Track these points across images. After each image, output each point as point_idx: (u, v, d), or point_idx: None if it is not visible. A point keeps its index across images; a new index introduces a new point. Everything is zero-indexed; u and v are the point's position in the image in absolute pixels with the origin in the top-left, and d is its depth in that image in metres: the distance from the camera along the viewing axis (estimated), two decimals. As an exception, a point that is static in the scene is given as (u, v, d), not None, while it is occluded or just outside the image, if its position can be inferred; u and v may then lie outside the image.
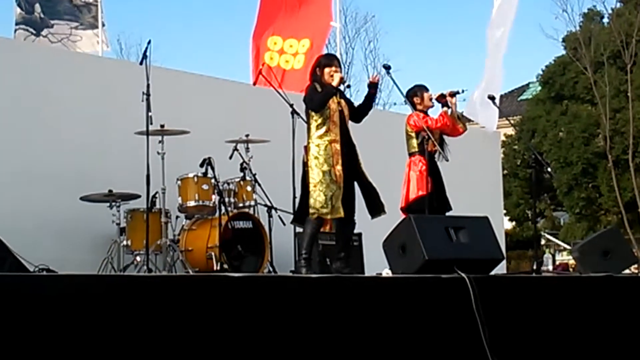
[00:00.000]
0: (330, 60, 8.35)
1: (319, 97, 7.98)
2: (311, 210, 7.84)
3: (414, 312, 6.65)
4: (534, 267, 8.83)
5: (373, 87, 8.30)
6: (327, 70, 8.08)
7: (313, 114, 7.95)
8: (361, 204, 8.17)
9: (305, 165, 7.95)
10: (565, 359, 7.21)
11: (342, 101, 8.15)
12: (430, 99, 8.81)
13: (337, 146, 7.96)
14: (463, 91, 8.82)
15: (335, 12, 13.46)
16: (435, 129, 8.62)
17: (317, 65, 8.18)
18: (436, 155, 8.62)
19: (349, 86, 8.65)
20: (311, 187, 7.86)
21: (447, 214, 8.60)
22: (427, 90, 8.90)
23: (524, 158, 31.90)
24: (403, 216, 8.19)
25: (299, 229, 8.36)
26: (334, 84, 8.02)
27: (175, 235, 9.00)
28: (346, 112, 8.13)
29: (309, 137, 7.99)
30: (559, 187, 31.73)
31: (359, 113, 8.30)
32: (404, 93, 8.93)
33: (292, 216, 8.55)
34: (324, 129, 7.94)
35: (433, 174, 8.57)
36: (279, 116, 9.13)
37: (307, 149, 7.97)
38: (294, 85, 11.12)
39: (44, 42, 10.52)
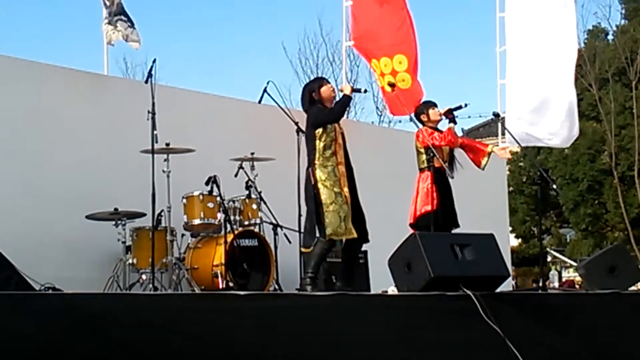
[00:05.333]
0: (321, 80, 8.41)
1: (337, 107, 7.99)
2: (328, 231, 7.78)
3: (419, 329, 6.64)
4: (540, 283, 8.82)
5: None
6: (324, 89, 8.09)
7: (320, 135, 7.89)
8: (367, 220, 8.16)
9: (313, 188, 7.88)
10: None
11: (341, 124, 8.15)
12: (439, 115, 8.82)
13: (343, 169, 7.94)
14: (466, 105, 8.90)
15: (342, 31, 13.55)
16: (439, 146, 8.63)
17: (311, 91, 8.13)
18: (447, 172, 8.63)
19: (365, 91, 8.69)
20: (324, 209, 7.81)
21: (455, 230, 8.60)
22: (434, 106, 8.90)
23: (530, 175, 31.92)
24: (411, 232, 8.19)
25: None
26: (347, 92, 8.03)
27: (181, 254, 9.00)
28: (345, 134, 8.13)
29: (313, 159, 7.90)
30: (564, 204, 31.73)
31: None
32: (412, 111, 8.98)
33: (297, 234, 8.54)
34: (330, 150, 7.90)
35: (441, 190, 8.57)
36: (284, 134, 9.14)
37: (312, 171, 7.90)
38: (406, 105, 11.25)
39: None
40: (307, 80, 24.54)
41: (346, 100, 8.10)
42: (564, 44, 13.59)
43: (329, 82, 8.26)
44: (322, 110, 7.95)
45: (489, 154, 8.97)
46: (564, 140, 14.14)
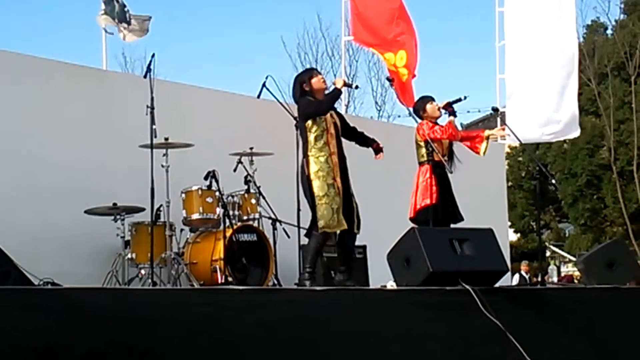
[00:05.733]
0: (310, 71, 8.39)
1: (326, 99, 7.99)
2: (320, 224, 7.80)
3: (418, 324, 6.64)
4: (539, 278, 8.82)
5: (374, 145, 8.35)
6: (314, 80, 8.08)
7: (311, 126, 7.91)
8: (366, 215, 8.17)
9: (307, 178, 7.89)
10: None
11: (334, 114, 8.15)
12: (439, 109, 8.80)
13: (335, 159, 7.95)
14: (465, 98, 8.87)
15: (341, 25, 13.58)
16: (440, 139, 8.62)
17: (302, 82, 8.12)
18: (446, 167, 8.61)
19: (357, 87, 8.73)
20: (317, 201, 7.82)
21: (458, 224, 8.58)
22: (432, 100, 8.88)
23: (529, 169, 31.98)
24: (411, 226, 8.18)
25: (304, 242, 8.35)
26: (339, 86, 8.03)
27: (180, 248, 9.00)
28: (339, 124, 8.13)
29: (306, 150, 7.92)
30: (563, 199, 31.78)
31: (350, 136, 8.31)
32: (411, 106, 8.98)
33: (296, 229, 8.53)
34: (322, 141, 7.91)
35: (441, 184, 8.55)
36: (282, 129, 9.14)
37: (306, 163, 7.91)
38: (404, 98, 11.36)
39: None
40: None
41: (336, 93, 8.10)
42: (563, 38, 13.61)
43: (319, 74, 8.28)
44: (311, 102, 7.96)
45: (487, 138, 8.93)
46: (564, 134, 14.19)
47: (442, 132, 8.62)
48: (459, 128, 9.23)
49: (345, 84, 8.19)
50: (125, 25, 10.41)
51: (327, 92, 8.12)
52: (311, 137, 7.91)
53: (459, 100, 8.85)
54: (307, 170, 7.88)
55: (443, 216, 8.49)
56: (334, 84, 8.09)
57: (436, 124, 8.75)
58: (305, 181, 7.90)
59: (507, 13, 13.75)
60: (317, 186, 7.83)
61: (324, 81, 8.14)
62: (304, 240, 8.27)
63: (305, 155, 7.92)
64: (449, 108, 8.78)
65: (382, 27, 12.68)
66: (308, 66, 27.79)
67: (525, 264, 20.76)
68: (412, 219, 8.60)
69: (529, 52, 13.63)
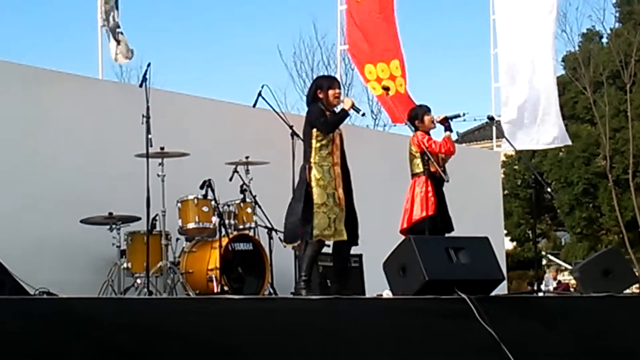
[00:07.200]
0: (331, 81, 8.30)
1: (334, 120, 7.96)
2: (315, 232, 7.78)
3: (414, 333, 6.64)
4: (535, 287, 8.82)
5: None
6: (331, 92, 8.05)
7: (317, 134, 7.90)
8: (362, 224, 8.16)
9: (307, 186, 7.88)
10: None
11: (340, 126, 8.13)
12: (433, 122, 8.78)
13: (338, 170, 7.93)
14: (464, 114, 8.86)
15: (337, 34, 13.57)
16: (438, 153, 8.61)
17: (318, 87, 8.12)
18: (443, 176, 8.61)
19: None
20: (315, 209, 7.80)
21: (450, 234, 8.59)
22: (428, 112, 8.86)
23: (525, 178, 31.98)
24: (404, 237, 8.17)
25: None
26: (346, 107, 7.99)
27: (176, 258, 8.99)
28: (343, 135, 8.12)
29: (309, 158, 7.91)
30: (559, 207, 31.78)
31: None
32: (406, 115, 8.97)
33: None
34: (326, 151, 7.90)
35: (437, 194, 8.55)
36: (278, 138, 9.15)
37: (308, 169, 7.90)
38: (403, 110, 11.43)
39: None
40: (304, 84, 24.28)
41: (343, 116, 8.05)
42: (543, 49, 13.68)
43: (339, 87, 8.18)
44: (321, 116, 7.92)
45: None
46: (559, 141, 14.24)
47: (439, 147, 8.62)
48: (454, 138, 9.21)
49: (352, 106, 8.08)
50: (116, 45, 10.45)
51: (337, 108, 8.07)
52: (317, 144, 7.89)
53: (458, 116, 8.83)
54: (307, 177, 7.86)
55: (441, 227, 8.49)
56: (342, 102, 8.04)
57: (430, 135, 8.74)
58: (303, 186, 7.87)
59: (498, 21, 13.77)
60: (316, 194, 7.81)
61: (338, 97, 8.09)
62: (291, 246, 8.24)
63: (308, 162, 7.91)
64: (446, 123, 8.75)
65: (377, 35, 12.70)
66: (304, 75, 27.87)
67: (554, 270, 20.75)
68: (407, 230, 8.58)
69: (520, 60, 13.66)
